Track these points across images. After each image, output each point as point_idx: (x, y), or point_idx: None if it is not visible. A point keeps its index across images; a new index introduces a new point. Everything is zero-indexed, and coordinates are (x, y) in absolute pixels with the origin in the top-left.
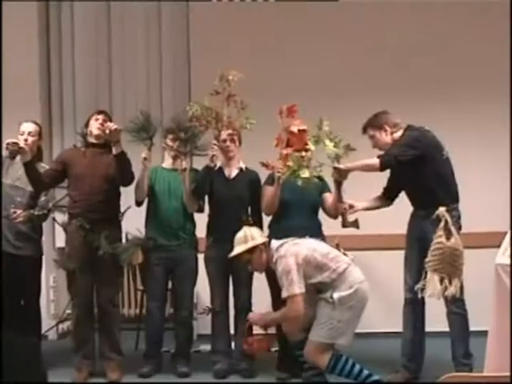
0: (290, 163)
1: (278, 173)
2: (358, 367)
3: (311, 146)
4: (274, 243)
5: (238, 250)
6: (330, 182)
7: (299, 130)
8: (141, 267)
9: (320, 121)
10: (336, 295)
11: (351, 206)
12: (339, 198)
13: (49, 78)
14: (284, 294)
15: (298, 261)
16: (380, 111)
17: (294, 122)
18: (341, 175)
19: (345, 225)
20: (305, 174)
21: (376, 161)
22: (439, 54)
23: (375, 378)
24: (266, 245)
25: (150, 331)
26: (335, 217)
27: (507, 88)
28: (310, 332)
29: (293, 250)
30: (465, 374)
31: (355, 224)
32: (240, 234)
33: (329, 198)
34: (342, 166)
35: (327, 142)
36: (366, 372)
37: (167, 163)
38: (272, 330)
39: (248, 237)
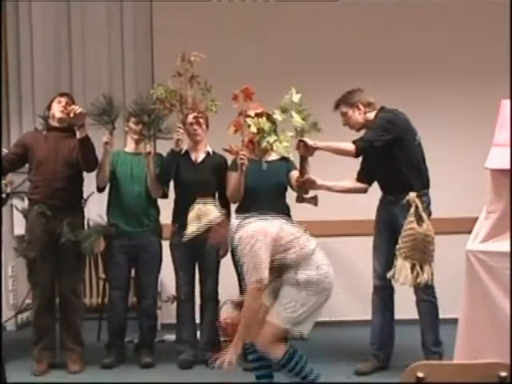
0: (261, 124)
1: (241, 159)
2: (308, 367)
3: (278, 117)
4: (235, 219)
5: (191, 229)
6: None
7: (256, 114)
8: (103, 255)
9: (293, 91)
10: (302, 275)
11: (312, 182)
12: (303, 171)
13: (6, 59)
14: (252, 278)
15: (266, 240)
16: (354, 88)
17: (250, 105)
18: (307, 150)
19: (299, 200)
20: (272, 138)
21: (351, 147)
22: (413, 35)
23: (323, 381)
24: (224, 220)
25: (112, 321)
26: (305, 192)
27: (483, 72)
28: (269, 314)
29: (260, 228)
30: (434, 362)
31: (313, 201)
32: (192, 212)
33: (295, 175)
34: (310, 142)
35: (294, 114)
36: (314, 373)
37: (130, 147)
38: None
39: (201, 214)
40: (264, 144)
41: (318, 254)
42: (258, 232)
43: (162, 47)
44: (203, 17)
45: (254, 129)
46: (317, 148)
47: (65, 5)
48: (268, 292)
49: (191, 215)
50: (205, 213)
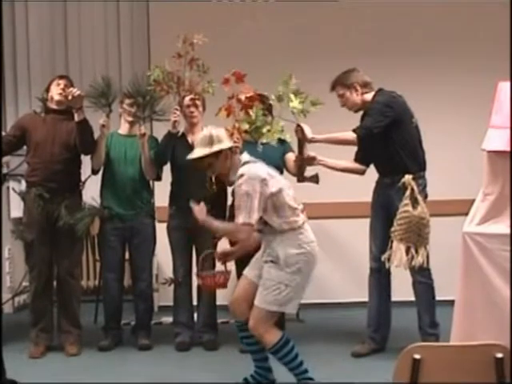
0: (252, 116)
1: (235, 143)
2: (299, 359)
3: (275, 104)
4: (246, 157)
5: (200, 152)
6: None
7: (247, 98)
8: (99, 237)
9: (289, 76)
10: (281, 251)
11: (313, 158)
12: (302, 150)
13: (1, 41)
14: (240, 220)
15: (264, 191)
16: (350, 68)
17: (241, 89)
18: (304, 136)
19: (301, 179)
20: (265, 128)
21: (352, 136)
22: (411, 17)
23: (310, 375)
24: (234, 150)
25: (107, 303)
26: (303, 171)
27: (481, 55)
28: (255, 299)
29: (264, 177)
30: (431, 344)
31: (314, 179)
32: (205, 134)
33: (292, 157)
34: (309, 135)
35: (292, 96)
36: (304, 366)
37: (124, 129)
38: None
39: (214, 138)
40: (255, 135)
41: (302, 232)
42: (260, 177)
43: (159, 29)
44: None
45: (246, 126)
46: (316, 141)
47: None
48: (250, 267)
49: (203, 137)
50: (218, 139)
